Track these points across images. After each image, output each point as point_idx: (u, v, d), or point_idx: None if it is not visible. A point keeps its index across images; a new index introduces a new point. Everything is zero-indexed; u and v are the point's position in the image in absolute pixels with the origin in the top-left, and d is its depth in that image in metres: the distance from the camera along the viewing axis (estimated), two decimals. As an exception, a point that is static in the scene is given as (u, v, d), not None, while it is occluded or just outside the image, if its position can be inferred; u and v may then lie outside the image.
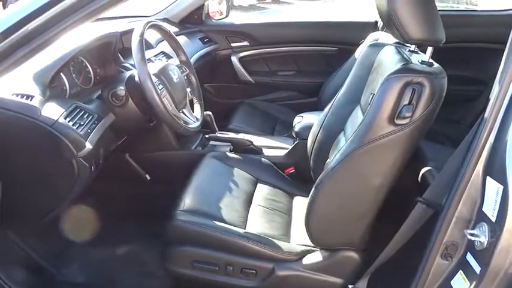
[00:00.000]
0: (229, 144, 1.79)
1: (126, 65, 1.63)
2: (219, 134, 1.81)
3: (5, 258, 1.42)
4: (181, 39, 2.31)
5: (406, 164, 1.08)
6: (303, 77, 2.62)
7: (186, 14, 2.48)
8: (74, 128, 1.15)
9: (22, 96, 1.14)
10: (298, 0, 12.59)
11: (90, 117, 1.26)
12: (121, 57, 1.65)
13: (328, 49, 2.54)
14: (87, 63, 1.55)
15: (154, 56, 1.87)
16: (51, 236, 1.62)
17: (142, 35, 1.33)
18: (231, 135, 1.87)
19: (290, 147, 1.78)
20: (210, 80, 2.69)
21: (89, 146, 1.17)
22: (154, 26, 1.49)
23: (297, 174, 1.71)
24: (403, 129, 1.01)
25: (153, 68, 1.42)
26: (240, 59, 2.61)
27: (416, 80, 0.99)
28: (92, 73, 1.57)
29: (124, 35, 1.83)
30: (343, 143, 1.35)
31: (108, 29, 1.63)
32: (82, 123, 1.20)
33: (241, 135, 1.89)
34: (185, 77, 1.62)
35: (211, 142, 1.83)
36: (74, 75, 1.47)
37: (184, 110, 1.51)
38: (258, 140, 1.87)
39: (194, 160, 1.65)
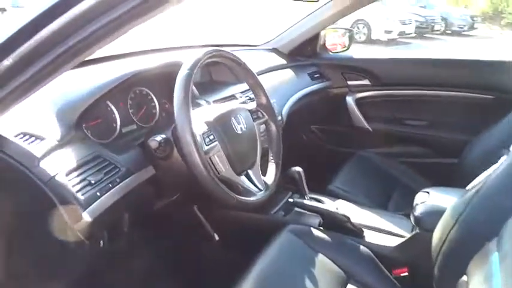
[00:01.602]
0: (319, 216, 1.33)
1: (200, 101, 1.32)
2: (306, 201, 1.36)
3: None
4: (288, 74, 1.96)
5: None
6: (440, 131, 1.99)
7: (298, 44, 2.12)
8: (74, 190, 0.85)
9: (30, 137, 0.89)
10: (450, 36, 11.40)
11: (113, 173, 0.95)
12: (196, 92, 1.34)
13: (480, 96, 1.88)
14: (153, 96, 1.28)
15: (242, 92, 1.53)
16: None
17: (192, 68, 0.99)
18: (326, 202, 1.40)
19: (407, 235, 1.23)
20: (318, 121, 2.27)
21: (87, 218, 0.86)
22: (220, 56, 1.13)
23: (410, 280, 1.16)
24: None
25: (207, 112, 1.07)
26: (357, 101, 2.13)
27: None
28: (157, 108, 1.29)
29: (211, 66, 1.55)
30: (495, 265, 0.78)
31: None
32: (94, 181, 0.90)
33: (338, 203, 1.41)
34: (262, 126, 1.23)
35: (297, 208, 1.39)
36: (131, 110, 1.21)
37: (249, 172, 1.11)
38: (360, 215, 1.36)
39: (272, 228, 1.25)
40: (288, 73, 1.97)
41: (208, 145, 0.98)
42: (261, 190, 1.10)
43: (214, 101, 1.35)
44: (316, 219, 1.34)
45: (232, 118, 1.08)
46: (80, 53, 0.66)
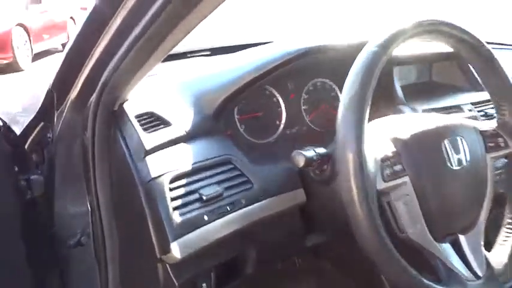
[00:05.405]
0: None
1: (403, 108, 0.98)
2: None
3: None
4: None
5: None
6: None
7: None
8: (173, 204, 0.66)
9: (154, 119, 0.74)
10: None
11: (239, 190, 0.72)
12: (400, 94, 1.01)
13: None
14: (338, 92, 0.97)
15: (474, 104, 1.05)
16: None
17: (385, 45, 0.62)
18: None
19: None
20: None
21: (176, 253, 0.64)
22: (447, 36, 0.69)
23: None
24: None
25: (402, 124, 0.70)
26: None
27: None
28: None
29: (435, 60, 1.12)
30: None
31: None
32: (206, 197, 0.68)
33: None
34: (501, 162, 0.76)
35: None
36: (304, 107, 0.94)
37: (460, 238, 0.66)
38: None
39: None
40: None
41: (388, 181, 0.62)
42: (477, 278, 0.63)
43: (424, 110, 0.98)
44: None
45: (446, 141, 0.66)
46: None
